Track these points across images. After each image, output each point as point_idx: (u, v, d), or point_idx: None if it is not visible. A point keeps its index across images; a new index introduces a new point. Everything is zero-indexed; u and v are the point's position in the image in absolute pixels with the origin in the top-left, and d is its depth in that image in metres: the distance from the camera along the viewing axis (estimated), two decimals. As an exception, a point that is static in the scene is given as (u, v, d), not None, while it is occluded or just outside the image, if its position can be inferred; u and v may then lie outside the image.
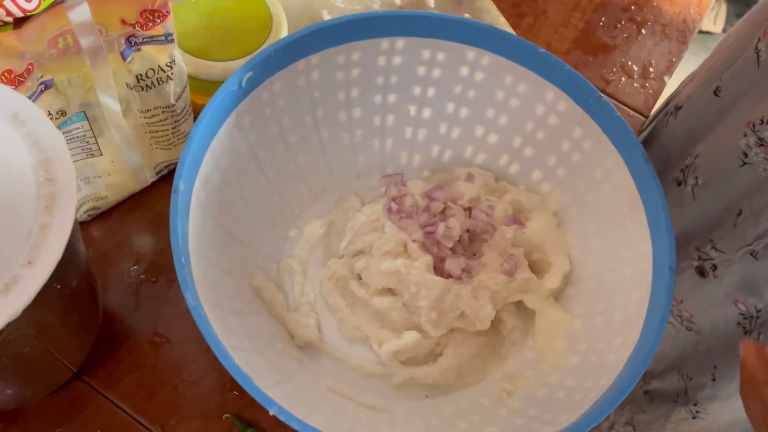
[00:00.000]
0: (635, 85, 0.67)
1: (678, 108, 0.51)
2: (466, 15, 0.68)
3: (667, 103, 0.55)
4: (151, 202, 0.55)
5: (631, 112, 0.66)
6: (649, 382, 0.60)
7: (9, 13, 0.40)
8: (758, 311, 0.45)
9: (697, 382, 0.53)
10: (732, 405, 0.52)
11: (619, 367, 0.42)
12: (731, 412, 0.52)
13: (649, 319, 0.43)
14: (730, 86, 0.45)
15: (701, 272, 0.49)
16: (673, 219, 0.49)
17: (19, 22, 0.37)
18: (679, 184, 0.49)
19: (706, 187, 0.47)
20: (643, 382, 0.61)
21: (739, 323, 0.47)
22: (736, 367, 0.49)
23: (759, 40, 0.42)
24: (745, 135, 0.42)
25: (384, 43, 0.51)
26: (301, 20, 0.63)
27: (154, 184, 0.55)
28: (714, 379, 0.52)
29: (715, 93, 0.46)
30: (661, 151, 0.53)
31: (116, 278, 0.52)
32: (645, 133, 0.60)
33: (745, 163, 0.43)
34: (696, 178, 0.47)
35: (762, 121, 0.41)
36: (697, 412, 0.54)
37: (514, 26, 0.69)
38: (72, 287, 0.37)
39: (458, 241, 0.52)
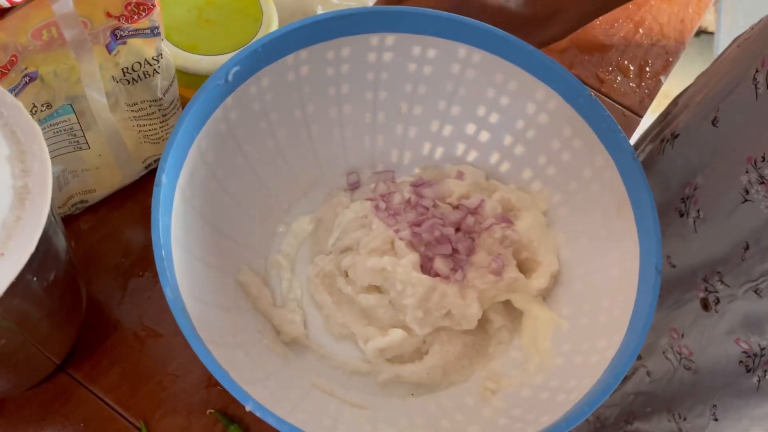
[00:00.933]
0: (631, 84, 0.67)
1: (675, 136, 0.51)
2: (462, 12, 0.67)
3: (662, 129, 0.54)
4: (139, 196, 0.55)
5: (626, 112, 0.65)
6: (631, 423, 0.59)
7: (-4, 5, 0.40)
8: (762, 349, 0.44)
9: (695, 423, 0.53)
10: None
11: (602, 368, 0.41)
12: None
13: (634, 321, 0.42)
14: (728, 117, 0.45)
15: (705, 305, 0.49)
16: (674, 250, 0.49)
17: (0, 13, 0.37)
18: (682, 215, 0.48)
19: (707, 220, 0.47)
20: (624, 422, 0.60)
21: (741, 361, 0.46)
22: (741, 407, 0.48)
23: (757, 71, 0.42)
24: (747, 171, 0.42)
25: (374, 39, 0.51)
26: (295, 15, 0.63)
27: (142, 178, 0.55)
28: (716, 419, 0.51)
29: (713, 123, 0.46)
30: (660, 179, 0.53)
31: (103, 271, 0.52)
32: (640, 156, 0.59)
33: (746, 200, 0.43)
34: (697, 210, 0.46)
35: (763, 158, 0.40)
36: None
37: (510, 24, 0.68)
38: (51, 279, 0.37)
39: (447, 239, 0.52)
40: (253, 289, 0.50)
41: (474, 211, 0.52)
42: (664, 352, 0.54)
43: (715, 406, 0.50)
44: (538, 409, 0.43)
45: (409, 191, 0.53)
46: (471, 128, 0.55)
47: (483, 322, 0.51)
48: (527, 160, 0.54)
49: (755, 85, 0.42)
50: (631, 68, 0.68)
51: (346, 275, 0.52)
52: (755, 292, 0.43)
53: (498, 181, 0.55)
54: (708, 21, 1.58)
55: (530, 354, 0.49)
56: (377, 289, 0.51)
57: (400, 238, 0.51)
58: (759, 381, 0.45)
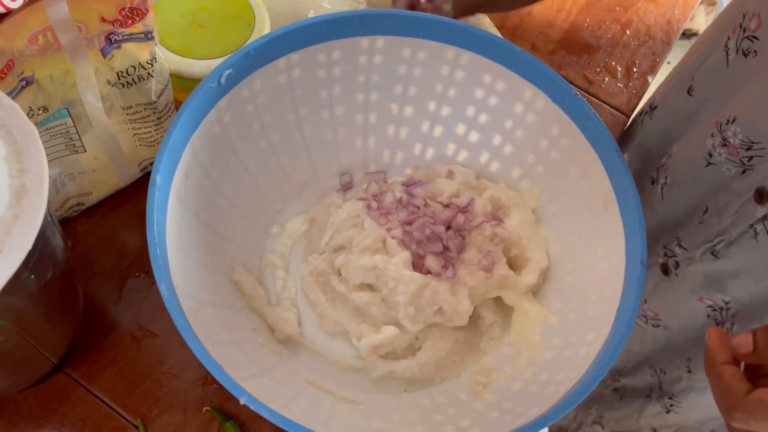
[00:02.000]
0: (618, 84, 0.68)
1: (653, 108, 0.51)
2: (453, 16, 0.68)
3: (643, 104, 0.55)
4: (135, 198, 0.56)
5: (614, 112, 0.66)
6: (618, 380, 0.60)
7: (-8, 11, 0.41)
8: (726, 303, 0.45)
9: (672, 376, 0.54)
10: (708, 398, 0.52)
11: (589, 360, 0.42)
12: (706, 405, 0.52)
13: (620, 313, 0.43)
14: (702, 85, 0.46)
15: (665, 270, 0.50)
16: (645, 218, 0.50)
17: (-3, 19, 0.38)
18: (653, 182, 0.49)
19: (673, 186, 0.47)
20: (611, 380, 0.61)
21: (709, 315, 0.47)
22: None
23: (728, 38, 0.43)
24: (712, 135, 0.43)
25: (364, 41, 0.52)
26: (288, 20, 0.64)
27: (138, 180, 0.56)
28: (690, 371, 0.52)
29: (689, 92, 0.47)
30: (639, 150, 0.54)
31: (100, 273, 0.53)
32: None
33: (709, 164, 0.44)
34: (665, 177, 0.47)
35: (728, 121, 0.41)
36: (672, 405, 0.54)
37: (500, 27, 0.69)
38: (48, 278, 0.38)
39: (438, 237, 0.53)
40: (247, 288, 0.51)
41: (464, 210, 0.53)
42: None
43: (689, 359, 0.51)
44: (529, 402, 0.44)
45: (401, 191, 0.54)
46: (461, 128, 0.56)
47: (474, 319, 0.52)
48: (516, 159, 0.55)
49: (726, 52, 0.43)
50: (619, 69, 0.69)
51: (339, 274, 0.52)
52: (712, 253, 0.44)
53: (488, 180, 0.56)
54: (698, 23, 1.59)
55: (520, 349, 0.49)
56: (370, 287, 0.52)
57: (392, 237, 0.51)
58: (728, 333, 0.46)
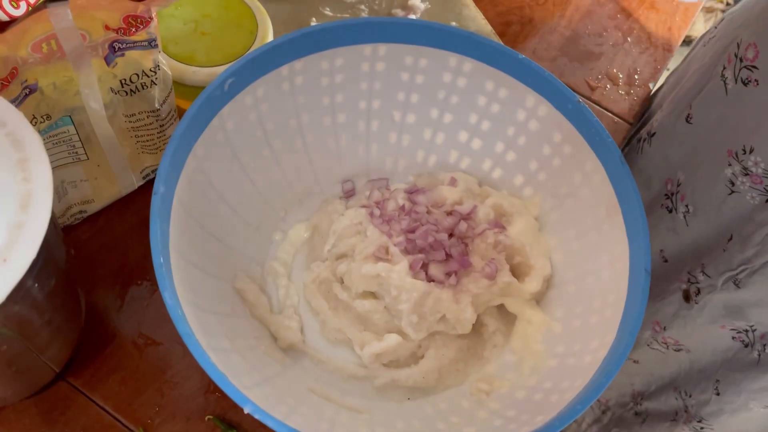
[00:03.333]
0: (620, 92, 0.68)
1: (651, 135, 0.52)
2: (453, 23, 0.69)
3: (639, 129, 0.56)
4: (138, 205, 0.56)
5: (616, 119, 0.66)
6: (640, 403, 0.60)
7: (-5, 19, 0.41)
8: (751, 326, 0.45)
9: (699, 399, 0.54)
10: (741, 417, 0.52)
11: (594, 368, 0.42)
12: (740, 425, 0.52)
13: (624, 321, 0.43)
14: (702, 113, 0.46)
15: (686, 296, 0.50)
16: (667, 244, 0.50)
17: (1, 27, 0.37)
18: (670, 211, 0.50)
19: (697, 214, 0.48)
20: (633, 403, 0.61)
21: (734, 338, 0.47)
22: (742, 381, 0.49)
23: (724, 68, 0.43)
24: (730, 165, 0.43)
25: (366, 49, 0.52)
26: (290, 28, 0.64)
27: (141, 188, 0.56)
28: (718, 394, 0.52)
29: (687, 120, 0.47)
30: (641, 178, 0.54)
31: (102, 281, 0.53)
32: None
33: (732, 192, 0.44)
34: (686, 206, 0.47)
35: (744, 150, 0.41)
36: (702, 428, 0.54)
37: (501, 34, 0.69)
38: (51, 287, 0.38)
39: (441, 244, 0.52)
40: (250, 296, 0.50)
41: (467, 217, 0.53)
42: (648, 344, 0.55)
43: (718, 381, 0.51)
44: (533, 410, 0.44)
45: (403, 198, 0.54)
46: (463, 136, 0.56)
47: (477, 326, 0.52)
48: (519, 166, 0.55)
49: (724, 81, 0.43)
50: (620, 76, 0.69)
51: (342, 281, 0.52)
52: (734, 282, 0.44)
53: (490, 187, 0.56)
54: (698, 30, 1.60)
55: (524, 356, 0.49)
56: (372, 295, 0.52)
57: (395, 245, 0.51)
58: (759, 355, 0.46)
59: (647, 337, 0.55)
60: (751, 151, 0.41)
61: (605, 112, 0.67)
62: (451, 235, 0.53)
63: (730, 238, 0.45)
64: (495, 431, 0.44)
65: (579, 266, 0.50)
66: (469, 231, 0.53)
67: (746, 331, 0.46)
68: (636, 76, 0.69)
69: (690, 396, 0.54)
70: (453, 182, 0.56)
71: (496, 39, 0.67)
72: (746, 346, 0.47)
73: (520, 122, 0.53)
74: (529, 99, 0.52)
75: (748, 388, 0.48)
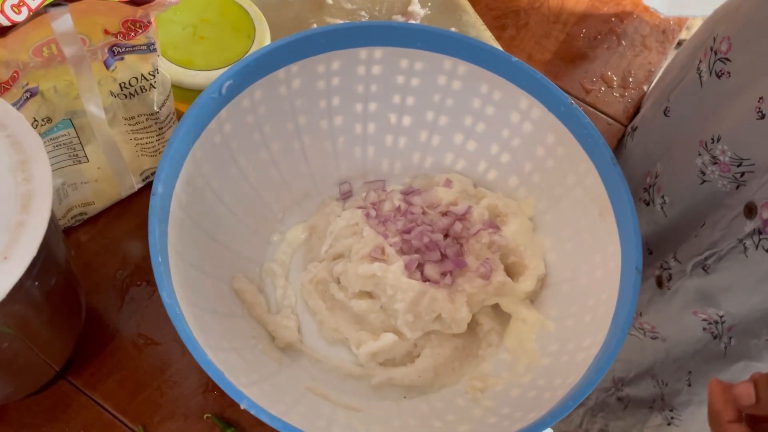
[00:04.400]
0: (615, 94, 0.69)
1: (634, 129, 0.53)
2: (453, 29, 0.69)
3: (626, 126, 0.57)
4: (137, 208, 0.57)
5: (610, 121, 0.67)
6: (621, 389, 0.60)
7: (-3, 24, 0.42)
8: (721, 317, 0.46)
9: (673, 388, 0.54)
10: (705, 412, 0.52)
11: (586, 365, 0.43)
12: (704, 419, 0.53)
13: (616, 319, 0.44)
14: (678, 106, 0.47)
15: (659, 282, 0.50)
16: (649, 236, 0.51)
17: (2, 31, 0.38)
18: (648, 204, 0.50)
19: (674, 204, 0.48)
20: (615, 389, 0.61)
21: (705, 329, 0.48)
22: (710, 373, 0.50)
23: (700, 61, 0.44)
24: (700, 154, 0.44)
25: (362, 52, 0.53)
26: (291, 33, 0.65)
27: (140, 190, 0.57)
28: (690, 384, 0.52)
29: (665, 113, 0.48)
30: (623, 171, 0.55)
31: (102, 281, 0.54)
32: None
33: (704, 181, 0.44)
34: (663, 197, 0.48)
35: (713, 140, 0.42)
36: (672, 418, 0.55)
37: (497, 38, 0.70)
38: (51, 285, 0.39)
39: (436, 245, 0.53)
40: (248, 296, 0.51)
41: (462, 218, 0.54)
42: None
43: (690, 372, 0.52)
44: (526, 407, 0.44)
45: (399, 199, 0.55)
46: (459, 138, 0.57)
47: (473, 326, 0.52)
48: (513, 167, 0.55)
49: (699, 74, 0.44)
50: (615, 79, 0.70)
51: (339, 282, 0.53)
52: (703, 268, 0.45)
53: (486, 188, 0.57)
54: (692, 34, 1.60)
55: (518, 355, 0.50)
56: (369, 295, 0.52)
57: (391, 245, 0.52)
58: (725, 347, 0.46)
59: None
60: (718, 140, 0.42)
61: (600, 114, 0.67)
62: (446, 236, 0.54)
63: (703, 225, 0.46)
64: (489, 428, 0.45)
65: (572, 266, 0.51)
66: (464, 231, 0.53)
67: (716, 322, 0.47)
68: (630, 79, 0.70)
69: (666, 385, 0.55)
70: (448, 183, 0.56)
71: (496, 44, 0.68)
72: (715, 337, 0.48)
73: (514, 124, 0.54)
74: (522, 101, 0.53)
75: None
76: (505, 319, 0.53)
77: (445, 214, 0.55)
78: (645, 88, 0.70)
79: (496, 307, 0.53)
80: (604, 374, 0.41)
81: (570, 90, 0.68)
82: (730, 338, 0.47)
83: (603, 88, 0.69)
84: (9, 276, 0.31)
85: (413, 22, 0.69)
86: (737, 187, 0.43)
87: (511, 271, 0.53)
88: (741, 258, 0.42)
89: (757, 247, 0.41)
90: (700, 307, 0.47)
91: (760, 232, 0.40)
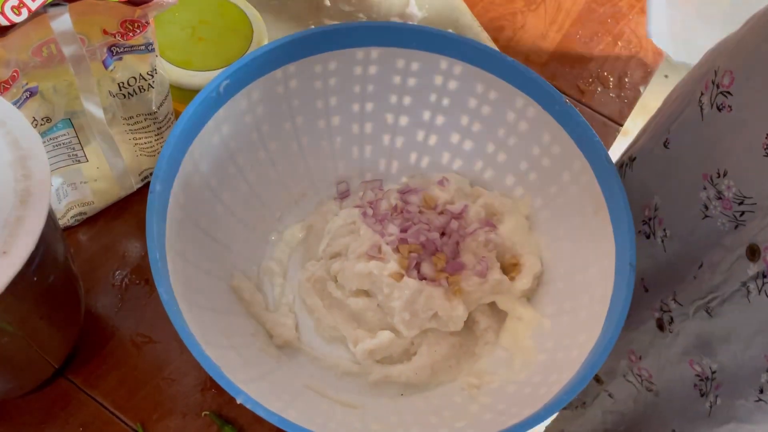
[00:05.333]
0: (611, 94, 0.69)
1: (632, 159, 0.53)
2: (450, 31, 0.70)
3: (624, 154, 0.56)
4: (136, 207, 0.57)
5: (606, 121, 0.67)
6: None
7: (-3, 24, 0.42)
8: (713, 372, 0.45)
9: None
10: None
11: (581, 360, 0.43)
12: None
13: (610, 315, 0.44)
14: (678, 138, 0.47)
15: (660, 325, 0.50)
16: (646, 271, 0.50)
17: (2, 31, 0.39)
18: (648, 237, 0.50)
19: (673, 238, 0.48)
20: None
21: (695, 385, 0.47)
22: (692, 431, 0.49)
23: (701, 94, 0.44)
24: (705, 188, 0.43)
25: (359, 53, 0.53)
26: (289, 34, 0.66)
27: (139, 190, 0.57)
28: None
29: (665, 145, 0.48)
30: None
31: (101, 280, 0.54)
32: None
33: (706, 216, 0.44)
34: (664, 230, 0.48)
35: (719, 174, 0.42)
36: None
37: (494, 39, 0.71)
38: (50, 282, 0.39)
39: (433, 243, 0.53)
40: (246, 294, 0.51)
41: (458, 216, 0.54)
42: (624, 375, 0.56)
43: (673, 431, 0.51)
44: (522, 403, 0.44)
45: (396, 198, 0.55)
46: (455, 137, 0.57)
47: (469, 323, 0.52)
48: (509, 166, 0.56)
49: (701, 107, 0.44)
50: (611, 79, 0.70)
51: (336, 280, 0.53)
52: (706, 311, 0.44)
53: (482, 187, 0.57)
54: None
55: (515, 352, 0.50)
56: (366, 293, 0.53)
57: (387, 243, 0.52)
58: (711, 407, 0.46)
59: (623, 367, 0.56)
60: (724, 175, 0.42)
61: (596, 114, 0.68)
62: (442, 234, 0.54)
63: (701, 266, 0.45)
64: (486, 424, 0.45)
65: (568, 263, 0.51)
66: (461, 230, 0.54)
67: (707, 378, 0.46)
68: (626, 80, 0.70)
69: None
70: (445, 182, 0.57)
71: (493, 46, 0.68)
72: (702, 395, 0.47)
73: (509, 123, 0.54)
74: (518, 101, 0.53)
75: None
76: (501, 317, 0.53)
77: (441, 212, 0.55)
78: (641, 89, 0.70)
79: (492, 305, 0.53)
80: (597, 369, 0.41)
81: (566, 90, 0.69)
82: (716, 397, 0.46)
83: (599, 89, 0.69)
84: (7, 270, 0.31)
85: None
86: (735, 227, 0.42)
87: (507, 270, 0.53)
88: (743, 302, 0.42)
89: (760, 291, 0.40)
90: (697, 356, 0.46)
91: (764, 276, 0.40)
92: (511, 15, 0.73)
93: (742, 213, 0.42)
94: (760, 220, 0.40)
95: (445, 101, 0.56)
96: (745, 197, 0.41)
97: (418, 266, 0.52)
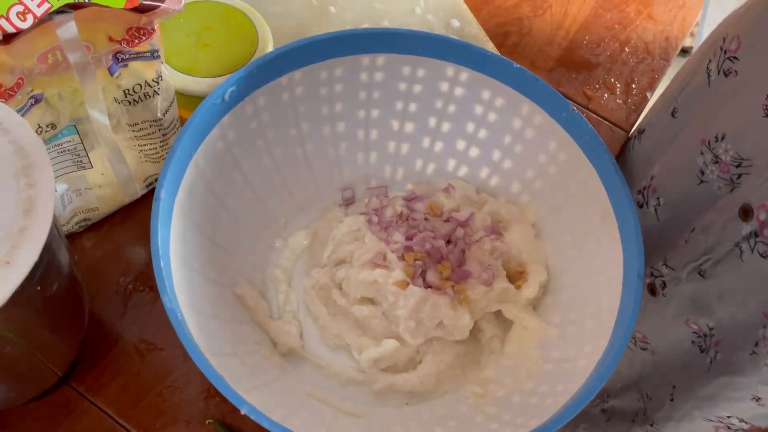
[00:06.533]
0: (618, 101, 0.69)
1: (641, 132, 0.52)
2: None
3: (634, 129, 0.57)
4: (140, 214, 0.57)
5: (613, 127, 0.67)
6: (606, 401, 0.60)
7: (3, 31, 0.42)
8: (711, 329, 0.45)
9: (657, 403, 0.54)
10: (685, 427, 0.52)
11: (588, 371, 0.43)
12: None
13: (618, 325, 0.43)
14: (685, 107, 0.47)
15: (652, 290, 0.50)
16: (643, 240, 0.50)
17: (8, 38, 0.39)
18: (641, 206, 0.50)
19: (667, 206, 0.48)
20: (599, 400, 0.61)
21: (693, 342, 0.47)
22: (693, 388, 0.49)
23: (710, 61, 0.44)
24: (702, 153, 0.43)
25: (365, 59, 0.53)
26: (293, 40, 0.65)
27: (144, 196, 0.57)
28: (672, 399, 0.52)
29: (672, 114, 0.48)
30: (625, 174, 0.55)
31: (105, 287, 0.54)
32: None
33: (702, 181, 0.44)
34: (658, 198, 0.48)
35: (716, 138, 0.42)
36: None
37: (499, 46, 0.70)
38: (54, 290, 0.39)
39: (438, 251, 0.53)
40: (250, 302, 0.51)
41: (464, 224, 0.54)
42: None
43: (674, 387, 0.51)
44: (528, 414, 0.44)
45: (401, 205, 0.55)
46: (461, 144, 0.57)
47: (475, 332, 0.52)
48: (515, 173, 0.55)
49: (708, 74, 0.44)
50: (618, 85, 0.70)
51: (341, 287, 0.53)
52: (699, 273, 0.45)
53: (488, 194, 0.57)
54: (696, 40, 1.60)
55: (520, 362, 0.50)
56: (370, 301, 0.52)
57: (392, 251, 0.52)
58: (711, 362, 0.46)
59: None
60: (722, 138, 0.41)
61: (602, 120, 0.67)
62: (448, 242, 0.54)
63: (693, 230, 0.45)
64: (491, 435, 0.45)
65: (575, 272, 0.51)
66: (467, 237, 0.53)
67: (705, 335, 0.46)
68: (633, 86, 0.70)
69: (650, 399, 0.55)
70: (450, 189, 0.56)
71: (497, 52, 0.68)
72: (702, 351, 0.47)
73: (516, 130, 0.54)
74: (524, 108, 0.53)
75: (696, 395, 0.48)
76: (507, 326, 0.53)
77: (447, 220, 0.55)
78: (648, 95, 0.70)
79: (498, 313, 0.53)
80: (606, 380, 0.40)
81: (573, 97, 0.68)
82: (716, 353, 0.46)
83: (606, 95, 0.69)
84: (11, 280, 0.31)
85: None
86: (731, 190, 0.42)
87: (513, 278, 0.53)
88: (737, 263, 0.42)
89: (752, 250, 0.40)
90: (693, 315, 0.47)
91: (756, 235, 0.40)
92: (517, 20, 0.73)
93: (739, 176, 0.42)
94: (755, 180, 0.40)
95: (451, 108, 0.56)
96: (742, 159, 0.41)
97: (423, 274, 0.52)
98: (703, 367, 0.46)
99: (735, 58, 0.41)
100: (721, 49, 0.42)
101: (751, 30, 0.41)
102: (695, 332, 0.46)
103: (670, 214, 0.47)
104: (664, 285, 0.48)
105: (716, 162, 0.42)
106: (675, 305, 0.48)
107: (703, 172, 0.43)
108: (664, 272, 0.48)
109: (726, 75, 0.42)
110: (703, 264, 0.44)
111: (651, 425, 0.54)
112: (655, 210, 0.48)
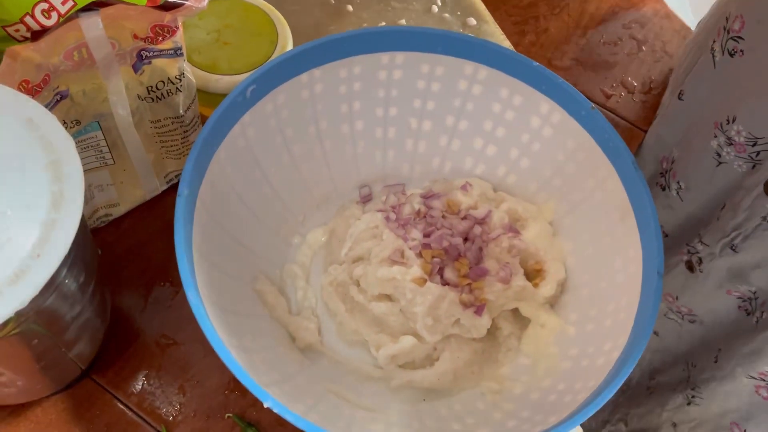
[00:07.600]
0: (635, 99, 0.69)
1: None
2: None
3: None
4: (161, 209, 0.57)
5: (631, 126, 0.67)
6: (654, 378, 0.60)
7: (29, 29, 0.43)
8: (754, 293, 0.46)
9: (701, 368, 0.54)
10: (726, 387, 0.52)
11: (607, 369, 0.43)
12: (725, 395, 0.52)
13: (637, 323, 0.44)
14: (692, 89, 0.47)
15: (690, 267, 0.50)
16: (665, 220, 0.51)
17: (36, 35, 0.39)
18: (664, 189, 0.50)
19: (690, 189, 0.48)
20: (648, 379, 0.61)
21: (740, 306, 0.48)
22: (737, 347, 0.49)
23: (714, 41, 0.44)
24: (715, 136, 0.44)
25: (384, 57, 0.53)
26: (311, 38, 0.66)
27: (164, 192, 0.58)
28: (716, 361, 0.52)
29: (679, 97, 0.48)
30: (640, 157, 0.55)
31: (127, 282, 0.55)
32: None
33: (720, 163, 0.44)
34: (678, 182, 0.48)
35: (728, 120, 0.42)
36: (693, 396, 0.55)
37: (516, 44, 0.71)
38: (80, 283, 0.39)
39: (456, 248, 0.53)
40: (269, 298, 0.52)
41: (481, 222, 0.54)
42: (665, 314, 0.56)
43: (719, 350, 0.51)
44: (546, 411, 0.44)
45: (419, 203, 0.55)
46: (478, 142, 0.57)
47: (492, 330, 0.52)
48: (533, 172, 0.56)
49: (713, 54, 0.44)
50: (635, 84, 0.70)
51: (358, 284, 0.53)
52: (731, 248, 0.45)
53: (505, 192, 0.57)
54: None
55: (538, 359, 0.50)
56: (388, 298, 0.52)
57: (410, 248, 0.52)
58: (757, 321, 0.46)
59: (663, 307, 0.56)
60: (733, 121, 0.42)
61: (620, 119, 0.67)
62: (466, 240, 0.54)
63: (723, 207, 0.46)
64: (508, 431, 0.45)
65: (593, 270, 0.51)
66: (484, 235, 0.54)
67: (750, 299, 0.47)
68: (651, 84, 0.70)
69: (695, 366, 0.55)
70: (468, 187, 0.57)
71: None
72: (748, 314, 0.48)
73: (534, 129, 0.54)
74: (543, 106, 0.53)
75: (739, 352, 0.49)
76: (524, 324, 0.53)
77: (464, 218, 0.55)
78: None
79: (515, 311, 0.53)
80: (626, 378, 0.41)
81: (590, 95, 0.68)
82: (762, 312, 0.47)
83: (623, 94, 0.69)
84: (41, 273, 0.31)
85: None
86: (753, 167, 0.43)
87: (531, 276, 0.53)
88: (765, 235, 0.43)
89: None
90: (733, 285, 0.47)
91: None
92: (534, 19, 0.73)
93: (758, 153, 0.42)
94: None
95: (469, 106, 0.56)
96: (757, 138, 0.41)
97: (441, 271, 0.52)
98: (749, 327, 0.47)
99: (740, 38, 0.41)
100: (725, 29, 0.42)
101: (755, 8, 0.41)
102: (740, 297, 0.47)
103: (696, 195, 0.48)
104: (700, 261, 0.48)
105: (730, 144, 0.42)
106: (713, 279, 0.49)
107: (719, 154, 0.44)
108: (699, 249, 0.48)
109: (732, 55, 0.42)
110: (735, 239, 0.45)
111: (692, 389, 0.55)
112: (677, 193, 0.49)
